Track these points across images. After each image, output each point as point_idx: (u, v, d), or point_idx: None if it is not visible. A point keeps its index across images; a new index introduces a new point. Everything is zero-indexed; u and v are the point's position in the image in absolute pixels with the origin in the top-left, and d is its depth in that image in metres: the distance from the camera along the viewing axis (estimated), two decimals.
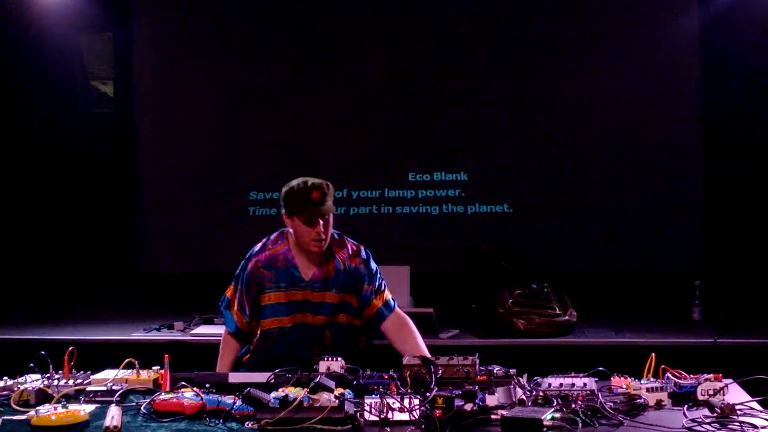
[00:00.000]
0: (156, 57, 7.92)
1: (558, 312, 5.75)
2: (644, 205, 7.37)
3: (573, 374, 3.11)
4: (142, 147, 7.89)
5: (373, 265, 3.97)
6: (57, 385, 3.24)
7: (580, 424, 2.69)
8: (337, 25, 7.71)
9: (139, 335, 5.78)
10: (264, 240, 3.99)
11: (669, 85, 7.36)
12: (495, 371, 3.17)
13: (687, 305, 6.03)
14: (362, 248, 3.99)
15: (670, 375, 3.10)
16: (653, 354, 3.18)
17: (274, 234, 3.99)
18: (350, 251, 3.93)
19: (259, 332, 3.92)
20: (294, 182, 3.82)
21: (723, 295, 6.37)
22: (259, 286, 3.90)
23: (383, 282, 3.99)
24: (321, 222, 3.75)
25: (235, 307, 3.96)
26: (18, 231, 7.57)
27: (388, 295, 3.97)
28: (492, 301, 5.92)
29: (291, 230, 3.85)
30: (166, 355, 3.32)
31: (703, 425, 2.71)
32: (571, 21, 7.47)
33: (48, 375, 3.32)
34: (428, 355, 3.49)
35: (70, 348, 3.39)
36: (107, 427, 2.79)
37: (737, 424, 2.70)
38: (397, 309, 3.97)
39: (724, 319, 5.84)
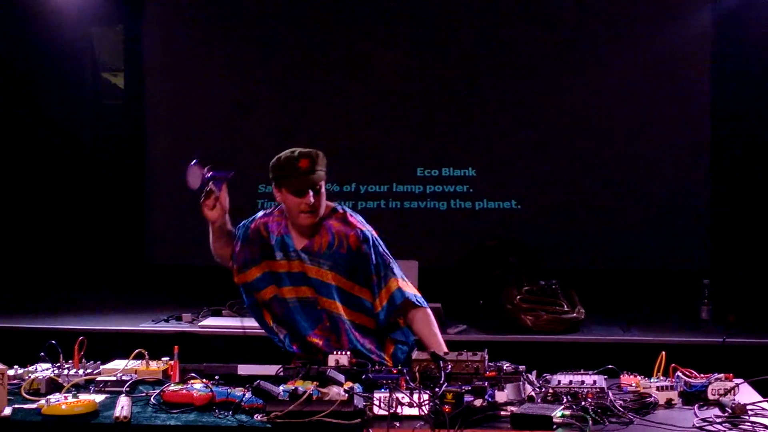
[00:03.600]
0: (166, 49, 7.93)
1: (566, 309, 5.75)
2: (653, 203, 7.35)
3: (582, 372, 3.10)
4: (152, 138, 7.90)
5: (380, 250, 3.71)
6: (67, 375, 3.25)
7: (590, 422, 2.68)
8: (346, 20, 7.69)
9: (147, 326, 5.79)
10: (264, 210, 3.89)
11: (678, 84, 7.34)
12: (504, 367, 3.16)
13: (695, 304, 6.01)
14: (367, 229, 3.72)
15: (680, 374, 3.09)
16: (663, 352, 3.17)
17: (274, 208, 3.86)
18: (351, 229, 3.69)
19: (268, 298, 3.78)
20: (282, 153, 3.65)
21: (732, 294, 6.37)
22: (263, 245, 3.76)
23: (392, 272, 3.71)
24: (310, 192, 3.57)
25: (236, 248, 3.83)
26: (28, 221, 7.59)
27: (396, 286, 3.67)
28: (500, 298, 5.93)
29: (282, 204, 3.70)
30: (176, 347, 3.32)
31: (714, 425, 2.70)
32: (581, 18, 7.44)
33: (58, 364, 3.33)
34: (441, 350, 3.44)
35: (81, 338, 3.40)
36: (117, 417, 2.80)
37: (749, 424, 2.69)
38: (417, 306, 3.72)
39: (732, 319, 5.84)
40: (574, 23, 7.44)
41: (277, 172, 3.63)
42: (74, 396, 2.94)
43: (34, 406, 2.93)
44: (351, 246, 3.67)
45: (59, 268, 7.51)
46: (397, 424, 2.73)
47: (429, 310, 3.76)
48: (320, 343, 3.71)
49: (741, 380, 3.07)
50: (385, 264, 3.72)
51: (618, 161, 7.39)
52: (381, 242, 3.77)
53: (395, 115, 7.61)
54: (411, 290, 3.76)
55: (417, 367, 3.16)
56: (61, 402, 2.87)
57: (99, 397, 3.03)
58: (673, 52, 7.27)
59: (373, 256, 3.69)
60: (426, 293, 5.93)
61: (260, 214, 3.88)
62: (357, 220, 3.76)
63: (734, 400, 2.89)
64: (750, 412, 2.78)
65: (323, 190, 3.64)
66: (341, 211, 3.76)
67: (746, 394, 3.02)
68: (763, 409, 2.84)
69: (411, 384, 2.97)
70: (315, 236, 3.69)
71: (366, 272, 3.69)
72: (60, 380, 3.20)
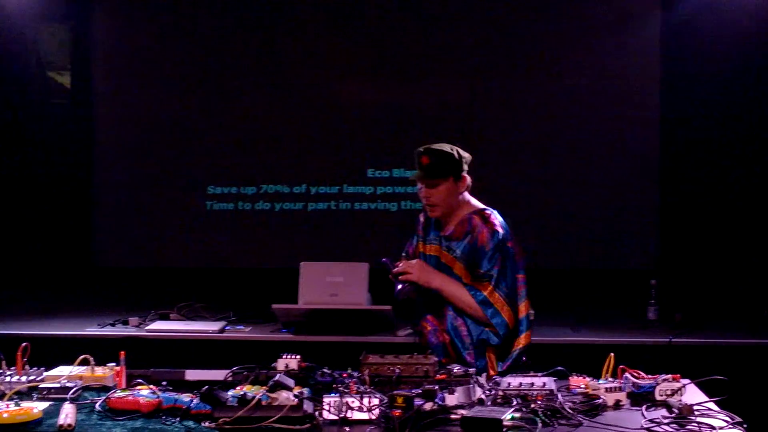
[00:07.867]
0: (115, 48, 7.81)
1: None
2: (601, 204, 7.40)
3: (532, 374, 3.13)
4: (100, 138, 7.78)
5: (495, 251, 3.79)
6: (9, 382, 3.19)
7: (540, 424, 2.70)
8: (301, 19, 7.64)
9: (93, 330, 5.69)
10: None
11: (629, 88, 7.39)
12: (454, 370, 3.17)
13: (643, 304, 6.08)
14: (499, 230, 3.82)
15: (628, 375, 3.12)
16: (612, 354, 3.20)
17: None
18: (486, 226, 3.82)
19: None
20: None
21: (679, 294, 6.44)
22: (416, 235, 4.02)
23: (500, 278, 3.78)
24: (423, 186, 3.79)
25: None
26: None
27: (492, 287, 3.76)
28: None
29: None
30: (122, 352, 3.28)
31: (662, 426, 2.73)
32: (535, 24, 7.48)
33: (0, 371, 3.27)
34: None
35: (24, 344, 3.33)
36: (61, 425, 2.75)
37: (695, 424, 2.72)
38: None
39: (679, 319, 5.90)
40: (527, 29, 7.48)
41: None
42: (16, 404, 2.89)
43: None
44: (478, 240, 3.80)
45: (2, 269, 7.38)
46: (348, 429, 2.73)
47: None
48: (428, 328, 3.83)
49: (688, 381, 3.11)
50: (494, 268, 3.80)
51: (566, 162, 7.43)
52: (513, 247, 3.87)
53: (345, 115, 7.57)
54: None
55: (367, 371, 3.15)
56: (2, 410, 2.82)
57: (42, 405, 2.98)
58: (624, 57, 7.34)
59: (490, 256, 3.78)
60: (377, 295, 5.92)
61: None
62: (497, 221, 3.89)
63: (681, 400, 2.92)
64: (696, 413, 2.82)
65: (443, 187, 3.81)
66: (488, 212, 3.92)
67: (693, 395, 3.06)
68: (709, 409, 2.88)
69: (361, 388, 2.96)
70: (457, 225, 3.87)
71: (478, 265, 3.79)
72: (2, 388, 3.14)
